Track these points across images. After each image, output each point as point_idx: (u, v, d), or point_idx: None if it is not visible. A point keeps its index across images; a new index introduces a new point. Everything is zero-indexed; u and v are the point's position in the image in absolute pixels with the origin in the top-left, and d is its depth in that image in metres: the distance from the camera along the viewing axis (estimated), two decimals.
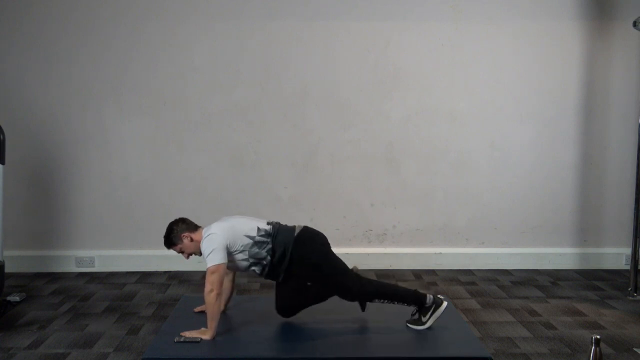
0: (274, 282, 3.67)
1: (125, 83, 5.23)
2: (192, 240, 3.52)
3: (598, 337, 2.81)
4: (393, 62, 5.30)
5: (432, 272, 5.35)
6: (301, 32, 5.24)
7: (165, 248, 3.60)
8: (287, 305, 3.68)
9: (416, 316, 3.62)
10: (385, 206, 5.41)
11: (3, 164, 4.04)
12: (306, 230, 3.59)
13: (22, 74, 5.18)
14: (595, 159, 5.43)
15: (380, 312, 3.76)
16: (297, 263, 3.51)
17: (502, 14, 5.27)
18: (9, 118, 5.02)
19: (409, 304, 3.61)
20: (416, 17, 5.25)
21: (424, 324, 3.58)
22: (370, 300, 3.61)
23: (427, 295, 3.61)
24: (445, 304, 3.61)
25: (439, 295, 3.67)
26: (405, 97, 5.33)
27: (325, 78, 5.29)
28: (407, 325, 3.62)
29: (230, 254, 3.42)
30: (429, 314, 3.58)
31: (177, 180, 5.32)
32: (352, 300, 3.62)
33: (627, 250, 5.23)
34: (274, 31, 5.22)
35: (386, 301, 3.60)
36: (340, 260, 3.58)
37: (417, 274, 5.30)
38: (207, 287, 3.34)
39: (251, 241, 3.46)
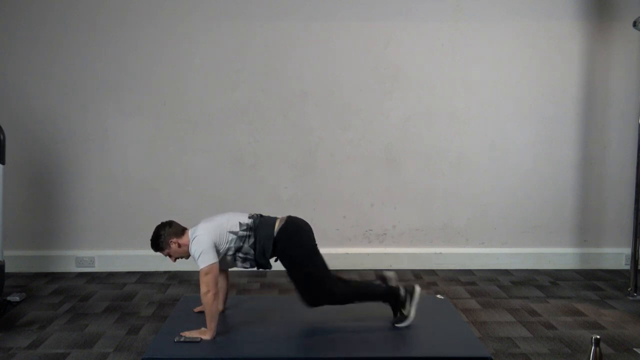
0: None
1: (125, 83, 5.23)
2: (179, 246, 3.53)
3: (598, 337, 2.82)
4: (393, 62, 5.30)
5: (432, 272, 5.35)
6: (301, 32, 5.24)
7: None
8: (308, 298, 3.60)
9: (398, 314, 3.63)
10: (385, 206, 5.41)
11: (3, 164, 4.04)
12: (287, 224, 3.55)
13: (22, 74, 5.18)
14: (595, 159, 5.43)
15: (380, 312, 3.76)
16: (282, 259, 3.51)
17: (502, 14, 5.27)
18: (9, 118, 5.03)
19: (386, 300, 3.62)
20: (416, 17, 5.25)
21: (407, 316, 3.59)
22: (351, 302, 3.58)
23: (399, 287, 3.64)
24: (418, 287, 3.64)
25: (406, 284, 3.69)
26: (405, 97, 5.33)
27: (325, 78, 5.29)
28: (395, 326, 3.61)
29: (218, 252, 3.43)
30: (407, 304, 3.60)
31: (177, 180, 5.32)
32: (331, 303, 3.56)
33: (627, 250, 5.24)
34: (274, 31, 5.22)
35: (366, 301, 3.62)
36: (322, 261, 3.54)
37: (417, 274, 5.29)
38: (203, 289, 3.35)
39: (235, 237, 3.48)
